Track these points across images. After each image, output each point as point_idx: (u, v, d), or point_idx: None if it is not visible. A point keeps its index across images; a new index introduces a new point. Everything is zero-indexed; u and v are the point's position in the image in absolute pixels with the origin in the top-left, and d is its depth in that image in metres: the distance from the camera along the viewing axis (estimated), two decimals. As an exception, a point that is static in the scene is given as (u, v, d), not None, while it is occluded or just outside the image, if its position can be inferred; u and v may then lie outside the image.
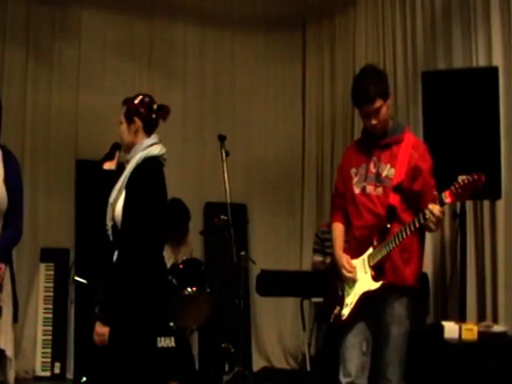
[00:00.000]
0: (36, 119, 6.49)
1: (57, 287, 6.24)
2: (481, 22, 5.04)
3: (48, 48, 6.56)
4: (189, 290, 5.26)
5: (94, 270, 5.27)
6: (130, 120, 3.45)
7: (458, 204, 4.75)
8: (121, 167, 3.54)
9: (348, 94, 3.70)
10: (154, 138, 3.48)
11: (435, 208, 3.25)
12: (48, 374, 6.00)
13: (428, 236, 4.81)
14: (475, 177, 3.19)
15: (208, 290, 5.33)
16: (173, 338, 4.87)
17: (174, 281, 5.26)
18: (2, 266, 3.29)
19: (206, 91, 7.12)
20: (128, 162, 3.43)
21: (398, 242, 3.39)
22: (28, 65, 6.48)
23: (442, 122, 4.72)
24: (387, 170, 3.51)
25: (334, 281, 3.66)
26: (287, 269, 6.29)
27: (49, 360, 6.04)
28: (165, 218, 3.48)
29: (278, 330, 6.93)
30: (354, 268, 3.54)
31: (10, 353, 3.30)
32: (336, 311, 3.58)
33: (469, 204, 4.88)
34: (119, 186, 3.39)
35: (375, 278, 3.47)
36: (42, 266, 6.29)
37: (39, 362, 6.03)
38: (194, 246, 6.12)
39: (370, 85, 3.49)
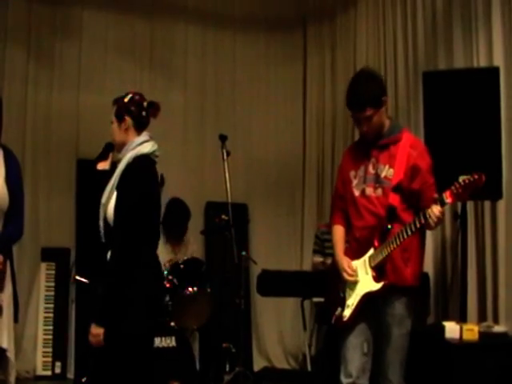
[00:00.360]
0: (37, 119, 6.49)
1: (58, 287, 6.25)
2: (482, 22, 5.04)
3: (49, 48, 6.56)
4: (189, 289, 5.27)
5: (94, 270, 5.28)
6: (120, 119, 3.42)
7: (459, 204, 4.75)
8: (114, 167, 3.52)
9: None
10: (144, 136, 3.45)
11: (436, 209, 3.25)
12: (49, 373, 6.00)
13: (429, 236, 4.83)
14: (475, 176, 3.19)
15: (209, 290, 5.34)
16: (173, 338, 4.90)
17: (174, 280, 5.27)
18: (1, 256, 3.28)
19: (206, 91, 7.12)
20: (119, 161, 3.42)
21: (398, 243, 3.38)
22: (29, 64, 6.48)
23: (442, 123, 4.72)
24: (386, 171, 3.50)
25: (335, 282, 3.65)
26: (288, 269, 6.28)
27: (50, 359, 6.04)
28: (158, 217, 3.47)
29: (278, 330, 6.93)
30: (355, 271, 3.53)
31: (10, 353, 3.30)
32: (337, 312, 3.58)
33: (470, 204, 4.88)
34: (110, 185, 3.37)
35: (376, 279, 3.46)
36: (43, 265, 6.29)
37: (40, 361, 6.03)
38: (195, 246, 6.13)
39: (361, 92, 3.47)
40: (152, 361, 3.40)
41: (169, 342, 4.86)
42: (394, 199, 3.46)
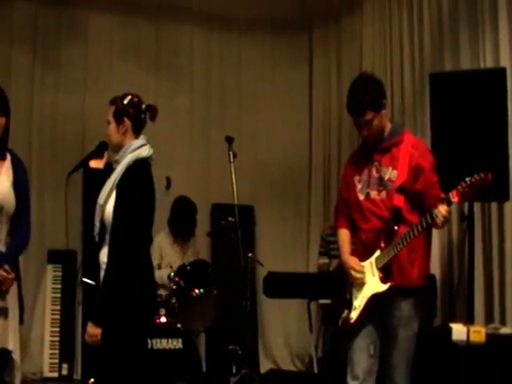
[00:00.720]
0: (43, 121, 6.53)
1: (64, 288, 6.26)
2: (488, 23, 5.02)
3: (55, 50, 6.60)
4: (196, 291, 5.27)
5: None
6: (119, 120, 3.42)
7: (466, 206, 4.74)
8: (109, 166, 3.55)
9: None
10: (142, 140, 3.46)
11: (443, 208, 3.25)
12: (56, 375, 6.02)
13: (436, 238, 4.84)
14: (482, 175, 3.19)
15: (215, 292, 5.33)
16: (180, 340, 4.90)
17: (181, 282, 5.27)
18: (12, 274, 3.29)
19: (212, 94, 7.13)
20: (117, 162, 3.43)
21: (405, 243, 3.38)
22: (35, 67, 6.53)
23: (449, 124, 4.70)
24: (389, 173, 3.51)
25: (341, 284, 3.65)
26: (294, 271, 6.28)
27: (56, 361, 6.05)
28: (153, 219, 3.49)
29: (284, 332, 6.93)
30: (364, 268, 3.53)
31: (16, 354, 3.30)
32: (344, 315, 3.57)
33: (477, 206, 4.86)
34: (109, 187, 3.37)
35: (383, 280, 3.46)
36: (50, 267, 6.30)
37: (47, 363, 6.04)
38: (200, 248, 6.13)
39: (361, 96, 3.46)
40: (149, 361, 3.41)
41: (175, 343, 4.85)
42: (399, 200, 3.47)
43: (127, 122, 3.42)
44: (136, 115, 3.44)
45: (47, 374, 6.00)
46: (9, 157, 3.37)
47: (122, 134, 3.43)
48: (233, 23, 7.17)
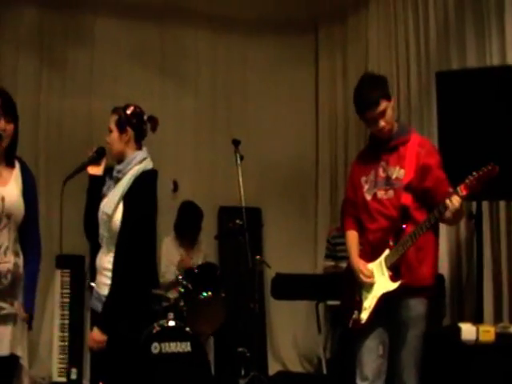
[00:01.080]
0: (50, 125, 6.57)
1: (73, 293, 6.26)
2: (494, 20, 5.01)
3: (61, 55, 6.63)
4: (204, 294, 5.26)
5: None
6: (121, 129, 3.52)
7: (474, 204, 4.72)
8: (108, 173, 3.61)
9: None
10: (145, 152, 3.58)
11: (455, 199, 3.24)
12: (64, 379, 6.02)
13: (444, 237, 4.83)
14: (489, 167, 3.20)
15: (223, 295, 5.32)
16: (188, 343, 4.89)
17: (189, 285, 5.26)
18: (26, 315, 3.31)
19: (218, 96, 7.13)
20: (120, 172, 3.51)
21: (415, 239, 3.38)
22: (42, 72, 6.57)
23: (456, 123, 4.68)
24: (397, 172, 3.52)
25: (350, 285, 3.65)
26: (302, 272, 6.26)
27: (65, 366, 6.06)
28: (156, 228, 3.61)
29: (292, 333, 6.92)
30: (372, 273, 3.53)
31: (24, 361, 3.30)
32: (355, 316, 3.58)
33: (485, 204, 4.84)
34: (117, 197, 3.45)
35: (393, 278, 3.46)
36: (58, 272, 6.30)
37: (56, 367, 6.04)
38: (208, 251, 6.13)
39: (371, 90, 3.51)
40: (153, 365, 3.48)
41: (184, 347, 4.84)
42: (407, 199, 3.48)
43: (130, 132, 3.52)
44: (138, 125, 3.55)
45: (56, 378, 6.01)
46: (17, 165, 3.37)
47: (124, 144, 3.52)
48: (238, 25, 7.16)
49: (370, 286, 3.53)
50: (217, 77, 7.15)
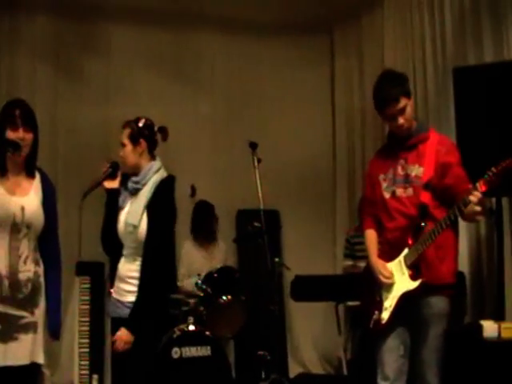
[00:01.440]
0: (67, 134, 6.59)
1: (93, 300, 6.25)
2: (511, 14, 4.98)
3: (77, 63, 6.69)
4: (223, 298, 5.25)
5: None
6: (135, 142, 3.63)
7: (494, 201, 4.67)
8: (123, 182, 3.71)
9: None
10: (159, 161, 3.70)
11: (475, 195, 3.21)
12: (86, 386, 6.04)
13: (464, 234, 4.78)
14: (507, 162, 3.17)
15: (243, 298, 5.32)
16: (209, 347, 4.89)
17: (208, 290, 5.26)
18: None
19: (234, 99, 7.15)
20: (138, 183, 3.63)
21: (434, 237, 3.35)
22: (58, 81, 6.62)
23: (475, 118, 4.66)
24: (416, 170, 3.50)
25: (370, 286, 3.63)
26: (321, 273, 6.23)
27: (87, 372, 6.05)
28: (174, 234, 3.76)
29: (312, 335, 6.92)
30: (391, 273, 3.51)
31: (45, 367, 3.32)
32: (375, 316, 3.55)
33: (505, 201, 4.80)
34: (141, 208, 3.58)
35: (413, 277, 3.43)
36: (78, 279, 6.31)
37: (77, 374, 6.03)
38: (228, 254, 6.13)
39: (391, 86, 3.50)
40: (174, 369, 3.58)
41: (204, 351, 4.84)
42: (426, 197, 3.45)
43: (143, 144, 3.63)
44: (151, 136, 3.67)
45: (78, 385, 6.03)
46: (38, 175, 3.39)
47: (138, 155, 3.64)
48: (252, 27, 7.17)
49: (390, 285, 3.50)
50: (232, 80, 7.17)
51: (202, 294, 5.25)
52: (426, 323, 3.47)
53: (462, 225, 3.82)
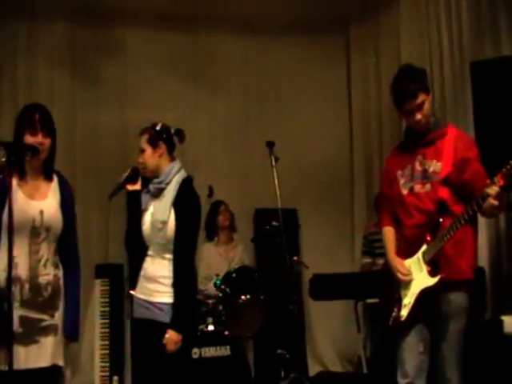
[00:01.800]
0: (85, 138, 6.64)
1: (112, 302, 6.29)
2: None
3: (94, 68, 6.72)
4: (242, 298, 5.26)
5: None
6: (154, 145, 3.72)
7: (513, 195, 4.63)
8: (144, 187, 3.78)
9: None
10: (179, 162, 3.79)
11: (493, 189, 3.17)
12: (107, 387, 6.06)
13: (483, 229, 4.72)
14: None
15: (261, 297, 5.32)
16: (228, 347, 4.90)
17: (227, 289, 5.27)
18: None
19: (250, 99, 7.14)
20: (161, 183, 3.71)
21: (453, 233, 3.32)
22: (75, 86, 6.64)
23: (493, 112, 4.61)
24: (434, 166, 3.48)
25: (389, 283, 3.60)
26: (340, 271, 6.22)
27: (107, 374, 6.09)
28: None
29: (331, 333, 6.89)
30: (409, 270, 3.48)
31: (66, 369, 3.33)
32: (394, 313, 3.52)
33: (524, 195, 4.74)
34: (168, 205, 3.63)
35: (432, 274, 3.40)
36: (98, 282, 6.35)
37: (98, 376, 6.07)
38: (245, 254, 6.14)
39: (410, 81, 3.47)
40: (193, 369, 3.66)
41: (223, 351, 4.86)
42: (444, 192, 3.43)
43: (162, 146, 3.73)
44: (169, 138, 3.76)
45: (99, 386, 6.06)
46: (55, 178, 3.40)
47: (158, 158, 3.73)
48: (268, 27, 7.15)
49: (409, 282, 3.48)
50: (249, 80, 7.16)
51: (220, 294, 5.26)
52: (445, 319, 3.43)
53: (482, 219, 3.78)
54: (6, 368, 2.95)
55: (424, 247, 3.45)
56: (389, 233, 3.70)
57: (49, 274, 3.24)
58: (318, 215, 7.00)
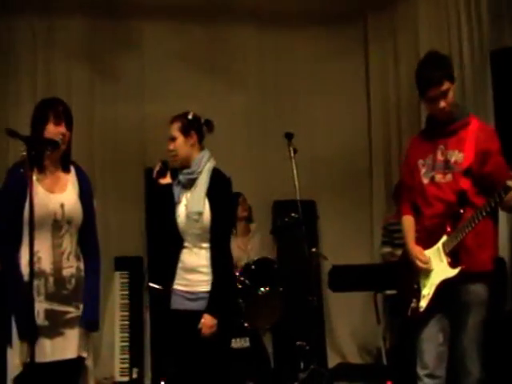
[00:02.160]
0: (104, 132, 6.66)
1: (132, 294, 6.33)
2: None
3: (112, 62, 6.72)
4: (261, 289, 5.27)
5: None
6: (186, 134, 3.76)
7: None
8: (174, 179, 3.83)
9: (413, 83, 3.61)
10: (208, 151, 3.84)
11: None
12: (127, 379, 6.09)
13: (504, 220, 4.69)
14: None
15: (280, 289, 5.32)
16: (247, 339, 4.91)
17: (246, 281, 5.28)
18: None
19: (268, 91, 7.11)
20: (193, 173, 3.74)
21: (474, 224, 3.29)
22: (94, 80, 6.66)
23: (513, 101, 4.57)
24: (456, 156, 3.44)
25: (407, 274, 3.58)
26: (359, 263, 6.20)
27: (127, 366, 6.13)
28: None
29: (351, 325, 6.87)
30: (429, 258, 3.46)
31: (89, 361, 3.35)
32: (413, 304, 3.51)
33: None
34: (202, 194, 3.68)
35: (452, 265, 3.38)
36: (117, 274, 6.39)
37: (118, 367, 6.12)
38: (263, 245, 6.13)
39: (436, 68, 3.45)
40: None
41: (243, 342, 4.87)
42: (465, 183, 3.41)
43: (194, 135, 3.77)
44: (199, 128, 3.82)
45: (119, 378, 6.08)
46: (73, 169, 3.43)
47: (190, 147, 3.76)
48: (285, 18, 7.09)
49: (428, 273, 3.46)
50: (266, 72, 7.13)
51: (240, 286, 5.27)
52: (465, 311, 3.41)
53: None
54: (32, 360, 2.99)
55: (444, 238, 3.43)
56: (408, 221, 3.67)
57: (72, 266, 3.27)
58: (337, 207, 6.97)
